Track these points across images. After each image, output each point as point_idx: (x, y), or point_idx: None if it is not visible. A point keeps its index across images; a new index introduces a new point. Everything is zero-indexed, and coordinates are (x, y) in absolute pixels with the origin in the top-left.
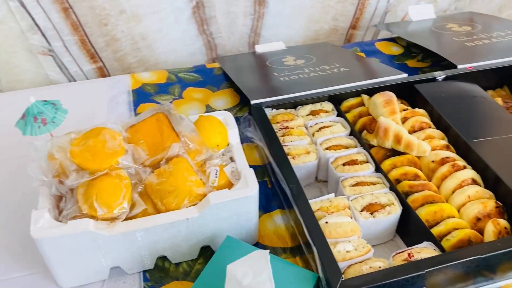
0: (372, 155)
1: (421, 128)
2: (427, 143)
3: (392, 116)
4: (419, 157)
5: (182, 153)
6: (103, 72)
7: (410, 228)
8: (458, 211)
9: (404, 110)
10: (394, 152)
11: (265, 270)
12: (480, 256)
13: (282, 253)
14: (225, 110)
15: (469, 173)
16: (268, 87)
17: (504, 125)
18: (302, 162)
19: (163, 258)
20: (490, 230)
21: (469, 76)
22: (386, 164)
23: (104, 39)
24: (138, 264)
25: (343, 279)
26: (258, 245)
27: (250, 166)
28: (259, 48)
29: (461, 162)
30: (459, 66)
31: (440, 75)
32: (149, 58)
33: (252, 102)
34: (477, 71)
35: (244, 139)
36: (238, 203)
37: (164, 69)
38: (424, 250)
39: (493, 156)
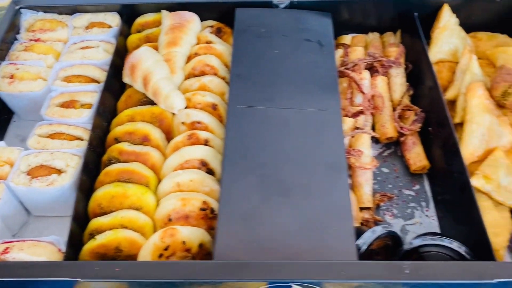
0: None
1: (203, 74)
2: (181, 97)
3: (170, 48)
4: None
5: None
6: None
7: None
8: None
9: (207, 42)
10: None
11: None
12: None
13: None
14: None
15: (201, 151)
16: None
17: (296, 91)
18: (18, 91)
19: None
20: (152, 242)
21: (336, 8)
22: (123, 116)
23: None
24: None
25: None
26: None
27: None
28: None
29: (206, 133)
30: None
31: (282, 1)
32: None
33: None
34: (349, 1)
35: None
36: None
37: None
38: (37, 249)
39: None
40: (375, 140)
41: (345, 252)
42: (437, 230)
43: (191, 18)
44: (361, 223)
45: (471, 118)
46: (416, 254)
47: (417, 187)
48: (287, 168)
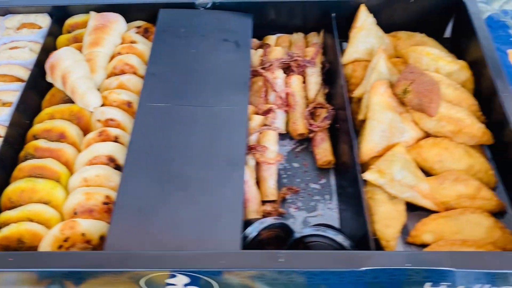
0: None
1: (123, 73)
2: (97, 95)
3: (92, 48)
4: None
5: None
6: None
7: None
8: None
9: (131, 42)
10: None
11: None
12: None
13: None
14: None
15: (109, 148)
16: None
17: (203, 85)
18: None
19: None
20: (52, 234)
21: (259, 10)
22: (43, 114)
23: None
24: None
25: None
26: None
27: None
28: None
29: (116, 130)
30: None
31: (204, 2)
32: None
33: None
34: (271, 2)
35: None
36: None
37: None
38: None
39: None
40: (289, 137)
41: (231, 242)
42: (337, 222)
43: (115, 19)
44: (263, 216)
45: (372, 115)
46: (302, 244)
47: (323, 181)
48: (188, 163)
